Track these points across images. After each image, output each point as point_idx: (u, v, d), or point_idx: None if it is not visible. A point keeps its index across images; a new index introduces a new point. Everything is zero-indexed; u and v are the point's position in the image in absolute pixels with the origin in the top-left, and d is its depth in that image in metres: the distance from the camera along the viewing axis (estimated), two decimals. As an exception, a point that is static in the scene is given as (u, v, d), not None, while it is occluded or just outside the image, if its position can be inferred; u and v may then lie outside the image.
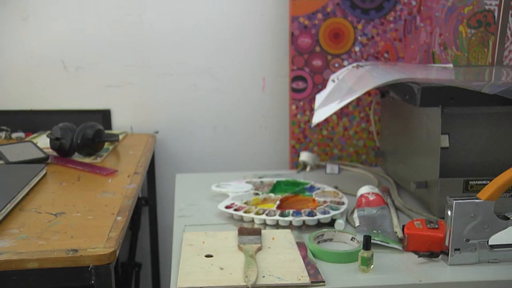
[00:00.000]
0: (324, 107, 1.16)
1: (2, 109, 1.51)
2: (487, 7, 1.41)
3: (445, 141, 0.99)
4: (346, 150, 1.50)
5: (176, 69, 1.54)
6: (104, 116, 1.54)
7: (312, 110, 1.45)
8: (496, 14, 1.36)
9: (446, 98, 0.97)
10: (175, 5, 1.50)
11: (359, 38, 1.43)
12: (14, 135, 1.45)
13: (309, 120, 1.47)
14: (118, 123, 1.57)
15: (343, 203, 1.04)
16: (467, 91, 0.96)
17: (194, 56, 1.53)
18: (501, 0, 1.20)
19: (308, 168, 1.39)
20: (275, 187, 1.17)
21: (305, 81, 1.45)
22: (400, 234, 0.92)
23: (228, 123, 1.59)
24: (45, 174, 1.14)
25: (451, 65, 1.29)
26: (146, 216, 1.60)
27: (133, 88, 1.55)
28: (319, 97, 1.21)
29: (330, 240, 0.94)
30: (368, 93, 1.45)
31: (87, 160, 1.26)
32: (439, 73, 1.16)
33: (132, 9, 1.49)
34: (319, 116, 1.15)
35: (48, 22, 1.48)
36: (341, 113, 1.47)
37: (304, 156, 1.39)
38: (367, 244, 0.81)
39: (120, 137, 1.45)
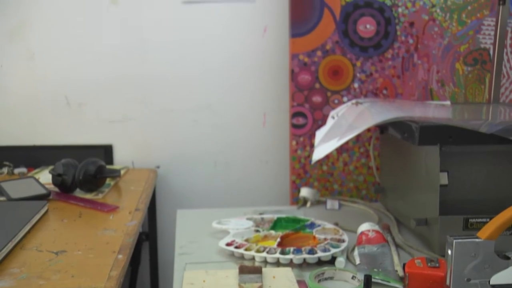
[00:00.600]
0: (324, 144, 1.17)
1: (5, 145, 1.53)
2: (482, 46, 1.44)
3: (444, 179, 1.00)
4: (346, 185, 1.50)
5: (178, 105, 1.56)
6: (106, 151, 1.56)
7: (312, 146, 1.46)
8: (491, 53, 1.39)
9: (444, 136, 0.98)
10: (177, 42, 1.53)
11: (358, 75, 1.45)
12: (16, 170, 1.46)
13: (309, 156, 1.49)
14: (120, 158, 1.58)
15: (343, 241, 1.04)
16: (465, 129, 0.97)
17: (195, 92, 1.56)
18: (495, 39, 1.23)
19: (308, 204, 1.39)
20: (276, 224, 1.17)
21: (305, 117, 1.47)
22: (401, 273, 0.92)
23: (229, 158, 1.60)
24: (46, 211, 1.15)
25: (448, 102, 1.31)
26: (147, 251, 1.59)
27: (135, 124, 1.56)
28: (319, 134, 1.22)
29: (331, 278, 0.94)
30: (367, 129, 1.47)
31: (89, 196, 1.27)
32: (437, 110, 1.18)
33: (135, 46, 1.52)
34: (319, 153, 1.16)
35: (53, 60, 1.51)
36: (341, 149, 1.49)
37: (305, 192, 1.39)
38: (368, 283, 0.81)
39: (122, 172, 1.46)
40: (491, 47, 1.41)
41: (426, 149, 1.05)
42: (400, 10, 1.43)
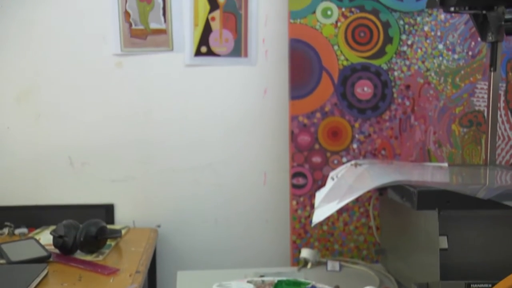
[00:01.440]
0: (324, 206, 1.18)
1: (7, 205, 1.53)
2: (476, 108, 1.48)
3: (444, 243, 1.01)
4: (347, 246, 1.50)
5: (179, 165, 1.58)
6: (108, 210, 1.56)
7: (312, 206, 1.47)
8: (485, 115, 1.43)
9: (443, 201, 1.00)
10: (179, 103, 1.57)
11: (356, 136, 1.49)
12: (17, 231, 1.46)
13: (310, 216, 1.49)
14: (121, 217, 1.58)
15: (345, 306, 1.04)
16: (463, 194, 0.98)
17: (196, 152, 1.58)
18: (489, 103, 1.27)
19: (309, 265, 1.38)
20: (277, 287, 1.17)
21: (305, 177, 1.49)
22: None
23: (229, 217, 1.60)
24: (46, 274, 1.14)
25: (446, 164, 1.33)
26: (145, 313, 1.57)
27: (137, 183, 1.58)
28: (319, 195, 1.24)
29: None
30: (367, 189, 1.48)
31: (89, 257, 1.27)
32: (435, 173, 1.20)
33: (139, 108, 1.56)
34: (319, 216, 1.17)
35: (58, 121, 1.54)
36: (341, 209, 1.48)
37: (305, 253, 1.39)
38: None
39: (123, 232, 1.46)
40: (485, 109, 1.45)
41: (425, 213, 1.06)
42: (396, 73, 1.48)
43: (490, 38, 1.21)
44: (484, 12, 1.15)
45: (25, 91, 1.53)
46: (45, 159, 1.55)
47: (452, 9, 1.13)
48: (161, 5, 1.53)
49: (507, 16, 1.14)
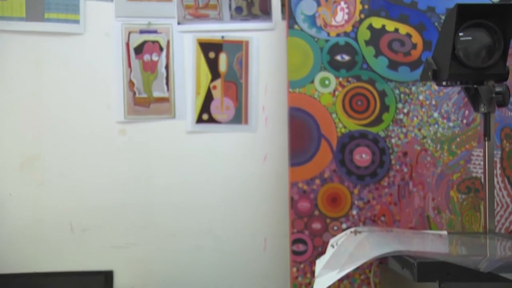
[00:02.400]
0: (325, 275, 1.18)
1: (7, 273, 1.52)
2: (473, 175, 1.50)
3: (446, 315, 1.00)
4: (349, 314, 1.48)
5: (180, 231, 1.59)
6: (106, 277, 1.55)
7: (313, 273, 1.46)
8: (483, 181, 1.45)
9: (443, 273, 0.99)
10: (180, 170, 1.59)
11: (356, 202, 1.50)
12: (15, 299, 1.44)
13: (310, 283, 1.48)
14: (121, 284, 1.57)
15: None
16: (463, 266, 0.98)
17: (197, 218, 1.59)
18: (485, 171, 1.29)
19: (310, 336, 1.36)
20: None
21: (305, 244, 1.48)
22: None
23: (230, 285, 1.59)
24: None
25: (445, 232, 1.34)
26: None
27: (137, 249, 1.58)
28: (319, 263, 1.23)
29: None
30: (367, 255, 1.48)
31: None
32: (435, 242, 1.21)
33: (141, 174, 1.58)
34: (319, 285, 1.16)
35: (61, 187, 1.56)
36: (342, 276, 1.48)
37: (306, 322, 1.37)
38: None
39: (121, 300, 1.45)
40: (482, 176, 1.47)
41: (425, 284, 1.05)
42: (393, 140, 1.51)
43: (482, 109, 1.25)
44: (475, 86, 1.19)
45: (29, 158, 1.56)
46: (46, 226, 1.55)
47: (444, 83, 1.18)
48: (165, 75, 1.59)
49: (497, 89, 1.18)
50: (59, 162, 1.56)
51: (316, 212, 1.49)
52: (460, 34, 1.15)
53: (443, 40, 1.15)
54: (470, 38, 1.14)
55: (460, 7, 1.08)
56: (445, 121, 1.51)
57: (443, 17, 1.50)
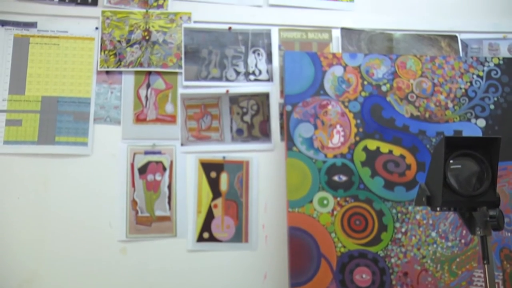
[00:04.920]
0: None
1: None
2: (477, 297, 1.48)
3: None
4: None
5: None
6: None
7: None
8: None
9: None
10: (181, 287, 1.58)
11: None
12: None
13: None
14: None
15: None
16: None
17: None
18: (488, 294, 1.27)
19: None
20: None
21: None
22: None
23: None
24: None
25: None
26: None
27: None
28: None
29: None
30: None
31: None
32: None
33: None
34: None
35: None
36: None
37: None
38: None
39: None
40: (485, 298, 1.45)
41: None
42: (393, 260, 1.51)
43: (478, 232, 1.26)
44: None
45: (27, 280, 1.55)
46: None
47: (438, 209, 1.21)
48: (167, 194, 1.63)
49: (491, 213, 1.20)
50: (58, 283, 1.55)
51: (318, 336, 1.45)
52: (451, 161, 1.20)
53: (434, 167, 1.20)
54: (459, 166, 1.19)
55: (447, 139, 1.14)
56: (443, 240, 1.52)
57: (434, 140, 1.58)
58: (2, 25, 1.64)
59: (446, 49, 1.74)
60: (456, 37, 1.75)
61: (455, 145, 1.17)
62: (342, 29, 1.73)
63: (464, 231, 1.52)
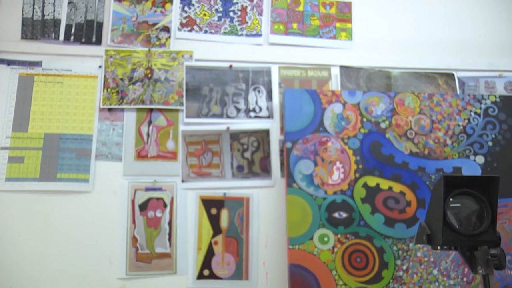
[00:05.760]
0: None
1: None
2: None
3: None
4: None
5: None
6: None
7: None
8: None
9: None
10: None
11: None
12: None
13: None
14: None
15: None
16: None
17: None
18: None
19: None
20: None
21: None
22: None
23: None
24: None
25: None
26: None
27: None
28: None
29: None
30: None
31: None
32: None
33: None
34: None
35: None
36: None
37: None
38: None
39: None
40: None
41: None
42: (394, 298, 1.50)
43: (480, 271, 1.25)
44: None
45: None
46: None
47: (439, 247, 1.20)
48: (167, 231, 1.63)
49: (492, 252, 1.20)
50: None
51: None
52: (450, 200, 1.20)
53: (434, 206, 1.21)
54: (459, 204, 1.19)
55: (446, 178, 1.15)
56: (445, 278, 1.51)
57: (433, 177, 1.59)
58: (8, 65, 1.68)
59: (443, 86, 1.76)
60: (453, 74, 1.78)
61: (454, 183, 1.18)
62: (341, 67, 1.76)
63: (466, 269, 1.51)
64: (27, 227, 1.59)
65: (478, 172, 1.60)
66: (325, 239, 1.55)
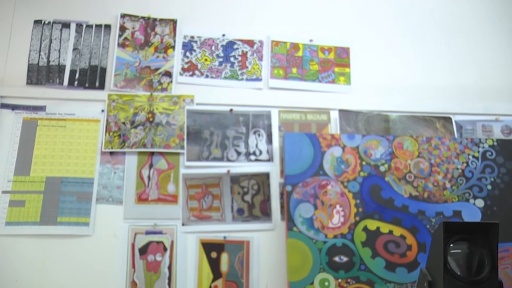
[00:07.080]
0: None
1: None
2: None
3: None
4: None
5: None
6: None
7: None
8: None
9: None
10: None
11: None
12: None
13: None
14: None
15: None
16: None
17: None
18: None
19: None
20: None
21: None
22: None
23: None
24: None
25: None
26: None
27: None
28: None
29: None
30: None
31: None
32: None
33: None
34: None
35: None
36: None
37: None
38: None
39: None
40: None
41: None
42: None
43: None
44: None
45: None
46: None
47: (440, 295, 1.20)
48: (167, 275, 1.62)
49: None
50: None
51: None
52: (451, 245, 1.21)
53: (434, 252, 1.21)
54: (460, 250, 1.19)
55: (446, 224, 1.15)
56: (448, 325, 1.49)
57: (433, 220, 1.59)
58: (13, 109, 1.71)
59: (441, 130, 1.79)
60: (450, 118, 1.81)
61: (454, 229, 1.19)
62: (340, 110, 1.79)
63: (469, 315, 1.49)
64: (25, 273, 1.58)
65: (478, 215, 1.61)
66: (326, 283, 1.53)
